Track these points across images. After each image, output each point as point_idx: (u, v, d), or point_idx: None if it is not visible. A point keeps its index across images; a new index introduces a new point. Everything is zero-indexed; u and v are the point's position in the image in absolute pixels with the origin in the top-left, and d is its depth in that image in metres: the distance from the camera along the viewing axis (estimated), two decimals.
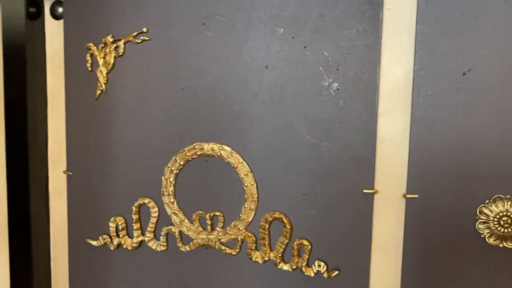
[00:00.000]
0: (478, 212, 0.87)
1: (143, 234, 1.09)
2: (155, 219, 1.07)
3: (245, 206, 1.01)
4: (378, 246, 0.96)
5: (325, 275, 0.96)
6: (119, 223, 1.09)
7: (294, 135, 0.96)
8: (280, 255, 0.99)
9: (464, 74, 0.87)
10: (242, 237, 1.02)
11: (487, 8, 0.85)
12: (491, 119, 0.85)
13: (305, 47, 0.94)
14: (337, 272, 0.96)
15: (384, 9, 0.91)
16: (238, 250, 1.02)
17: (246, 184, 1.00)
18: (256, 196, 1.00)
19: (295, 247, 0.98)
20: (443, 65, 0.88)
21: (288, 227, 0.98)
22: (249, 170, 1.00)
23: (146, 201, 1.07)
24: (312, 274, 0.97)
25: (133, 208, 1.08)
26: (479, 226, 0.87)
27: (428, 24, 0.88)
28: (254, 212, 1.01)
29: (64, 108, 1.11)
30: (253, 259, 1.01)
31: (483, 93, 0.86)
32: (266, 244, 1.00)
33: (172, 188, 1.05)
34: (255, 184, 1.00)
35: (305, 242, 0.97)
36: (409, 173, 0.91)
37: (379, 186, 0.94)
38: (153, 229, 1.08)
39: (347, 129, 0.93)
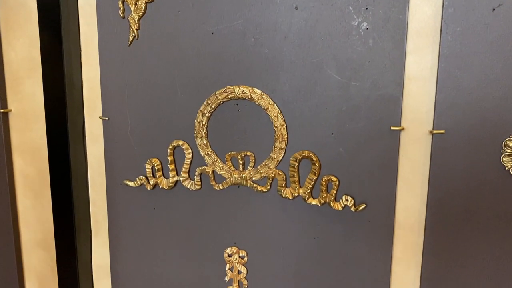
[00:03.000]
0: (503, 146, 0.89)
1: (178, 174, 1.13)
2: (189, 160, 1.11)
3: (275, 146, 1.04)
4: (404, 181, 0.98)
5: (353, 209, 1.00)
6: (155, 165, 1.13)
7: (324, 75, 0.97)
8: (309, 191, 1.02)
9: (493, 9, 0.86)
10: (273, 175, 1.05)
11: None
12: None
13: None
14: (364, 206, 0.99)
15: None
16: (268, 187, 1.06)
17: (276, 125, 1.03)
18: (286, 136, 1.03)
19: (324, 183, 1.01)
20: (473, 1, 0.87)
21: (317, 165, 1.01)
22: (279, 112, 1.02)
23: (180, 143, 1.10)
24: (340, 208, 1.01)
25: (168, 150, 1.11)
26: (504, 159, 0.89)
27: None
28: (284, 152, 1.04)
29: (98, 55, 1.13)
30: (283, 196, 1.04)
31: None
32: (296, 181, 1.03)
33: (204, 130, 1.08)
34: (284, 125, 1.02)
35: (333, 178, 1.00)
36: (436, 110, 0.92)
37: (406, 124, 0.96)
38: (187, 170, 1.11)
39: (376, 68, 0.94)
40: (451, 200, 0.94)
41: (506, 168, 0.89)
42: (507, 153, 0.89)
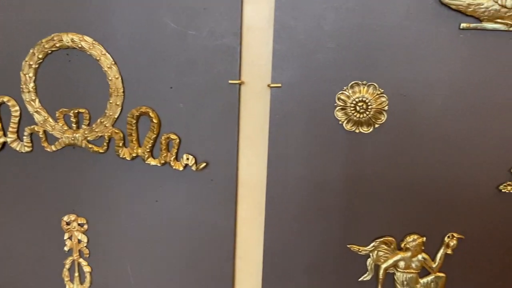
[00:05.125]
0: (337, 99, 0.87)
1: (5, 135, 0.98)
2: (17, 118, 0.97)
3: (111, 101, 0.93)
4: (246, 138, 0.93)
5: (194, 168, 0.93)
6: None
7: (159, 23, 0.88)
8: (148, 150, 0.94)
9: None
10: (109, 134, 0.95)
11: None
12: (350, 4, 0.83)
13: None
14: (204, 164, 0.93)
15: None
16: (105, 147, 0.96)
17: (110, 78, 0.92)
18: (122, 90, 0.93)
19: (163, 141, 0.93)
20: None
21: (155, 121, 0.92)
22: (113, 63, 0.91)
23: (5, 99, 0.96)
24: (181, 168, 0.94)
25: None
26: (337, 113, 0.87)
27: None
28: (120, 108, 0.94)
29: None
30: (121, 156, 0.95)
31: None
32: (134, 140, 0.94)
33: (32, 84, 0.95)
34: (120, 78, 0.92)
35: (173, 136, 0.93)
36: (273, 62, 0.87)
37: (246, 77, 0.91)
38: (15, 129, 0.97)
39: (212, 16, 0.86)
40: (289, 155, 0.90)
41: (340, 122, 0.87)
42: (340, 106, 0.86)
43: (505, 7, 0.77)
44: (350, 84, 0.85)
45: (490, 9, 0.77)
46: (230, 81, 0.89)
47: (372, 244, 0.91)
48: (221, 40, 0.88)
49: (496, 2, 0.77)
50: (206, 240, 0.98)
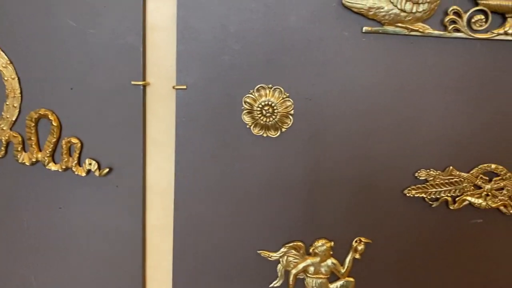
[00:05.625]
0: (243, 103, 0.84)
1: None
2: None
3: (7, 103, 0.87)
4: (154, 142, 0.90)
5: (97, 173, 0.88)
6: None
7: (58, 21, 0.83)
8: (48, 155, 0.88)
9: None
10: (7, 137, 0.89)
11: None
12: (254, 5, 0.80)
13: None
14: (107, 170, 0.88)
15: None
16: (3, 152, 0.89)
17: (6, 78, 0.86)
18: (19, 91, 0.87)
19: (64, 146, 0.87)
20: None
21: (55, 124, 0.86)
22: (9, 62, 0.85)
23: None
24: (84, 174, 0.89)
25: None
26: (245, 117, 0.84)
27: None
28: (18, 110, 0.88)
29: None
30: (20, 161, 0.89)
31: None
32: (34, 144, 0.88)
33: None
34: (16, 78, 0.86)
35: (74, 140, 0.87)
36: (178, 63, 0.84)
37: (152, 78, 0.87)
38: None
39: (114, 14, 0.82)
40: (197, 161, 0.87)
41: (247, 126, 0.85)
42: (247, 110, 0.84)
43: (404, 11, 0.76)
44: (256, 88, 0.83)
45: (390, 13, 0.77)
46: (133, 82, 0.85)
47: (281, 250, 0.89)
48: (123, 39, 0.83)
49: (396, 6, 0.76)
50: (114, 248, 0.94)
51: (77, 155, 0.88)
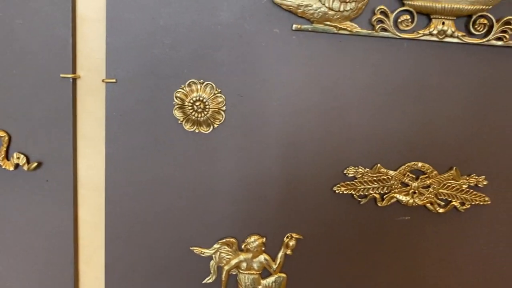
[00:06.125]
0: (174, 98, 0.83)
1: None
2: None
3: None
4: (84, 136, 0.88)
5: (25, 167, 0.86)
6: None
7: None
8: None
9: None
10: None
11: None
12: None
13: None
14: (36, 164, 0.86)
15: None
16: None
17: None
18: None
19: None
20: None
21: None
22: None
23: None
24: (12, 168, 0.86)
25: None
26: (176, 112, 0.83)
27: None
28: None
29: None
30: None
31: None
32: None
33: None
34: None
35: (2, 133, 0.85)
36: (107, 56, 0.82)
37: (82, 71, 0.85)
38: None
39: (42, 4, 0.80)
40: (129, 158, 0.86)
41: (179, 122, 0.84)
42: (178, 105, 0.83)
43: (332, 9, 0.77)
44: (187, 83, 0.82)
45: (318, 11, 0.77)
46: (62, 75, 0.83)
47: (214, 246, 0.89)
48: (52, 31, 0.81)
49: (324, 4, 0.76)
50: (46, 244, 0.92)
51: (5, 149, 0.86)
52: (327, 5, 0.76)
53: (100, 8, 0.82)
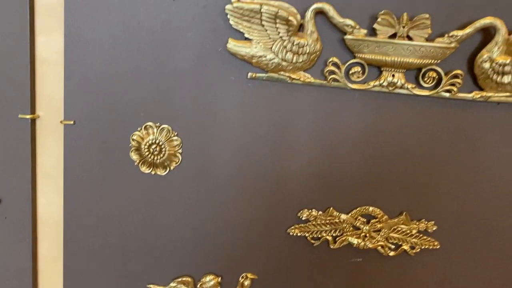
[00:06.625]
0: (131, 140, 0.84)
1: None
2: None
3: None
4: (45, 175, 0.88)
5: None
6: None
7: None
8: None
9: None
10: None
11: None
12: (142, 45, 0.80)
13: None
14: None
15: None
16: None
17: None
18: None
19: None
20: None
21: None
22: None
23: None
24: None
25: None
26: (132, 154, 0.85)
27: None
28: None
29: None
30: None
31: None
32: None
33: None
34: None
35: None
36: (65, 98, 0.83)
37: (41, 112, 0.86)
38: None
39: (0, 47, 0.81)
40: (86, 197, 0.87)
41: (135, 164, 0.85)
42: (135, 148, 0.84)
43: (285, 60, 0.78)
44: (144, 126, 0.84)
45: (272, 62, 0.79)
46: (20, 116, 0.84)
47: (170, 284, 0.90)
48: (11, 73, 0.82)
49: (277, 56, 0.78)
50: (4, 281, 0.92)
51: None
52: (280, 56, 0.78)
53: (57, 51, 0.83)
